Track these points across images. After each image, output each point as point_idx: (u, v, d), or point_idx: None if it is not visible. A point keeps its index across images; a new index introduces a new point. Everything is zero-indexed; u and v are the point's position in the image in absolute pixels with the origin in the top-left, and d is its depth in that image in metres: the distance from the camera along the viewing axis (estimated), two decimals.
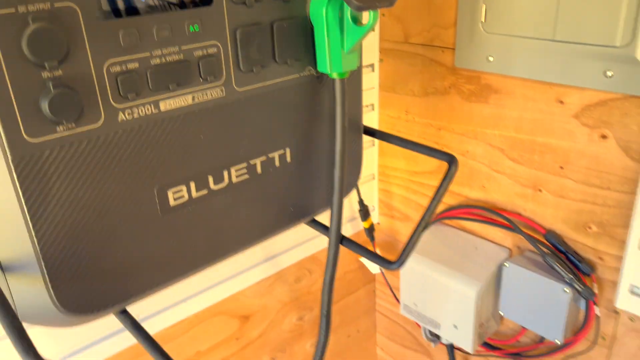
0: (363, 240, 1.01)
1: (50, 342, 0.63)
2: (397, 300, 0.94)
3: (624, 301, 0.70)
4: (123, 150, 0.40)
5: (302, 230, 0.89)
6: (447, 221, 0.89)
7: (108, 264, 0.41)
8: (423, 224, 0.57)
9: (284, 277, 0.91)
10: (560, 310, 0.72)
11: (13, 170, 0.35)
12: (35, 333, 0.60)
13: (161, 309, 0.76)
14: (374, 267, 0.98)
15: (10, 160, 0.35)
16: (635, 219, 0.65)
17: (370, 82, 0.90)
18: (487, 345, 0.89)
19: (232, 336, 0.87)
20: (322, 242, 0.94)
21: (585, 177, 0.70)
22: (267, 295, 0.90)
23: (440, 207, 0.89)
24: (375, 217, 1.02)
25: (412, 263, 0.85)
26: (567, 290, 0.70)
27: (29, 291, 0.40)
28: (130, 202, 0.42)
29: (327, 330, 0.59)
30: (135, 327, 0.45)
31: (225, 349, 0.87)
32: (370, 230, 0.92)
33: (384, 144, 0.95)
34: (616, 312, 0.72)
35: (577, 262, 0.72)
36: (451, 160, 0.57)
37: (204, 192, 0.47)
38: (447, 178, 0.55)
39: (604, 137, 0.66)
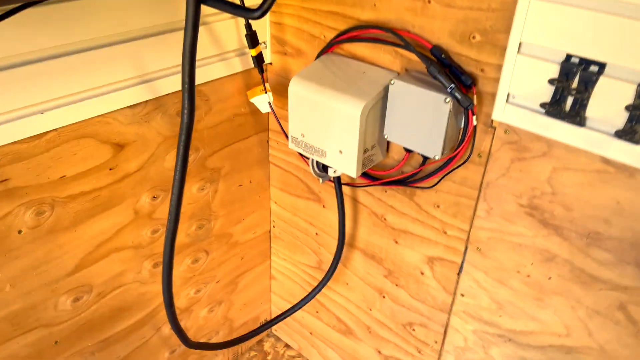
0: (256, 81, 0.96)
1: None
2: (287, 136, 0.90)
3: (500, 111, 0.70)
4: None
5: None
6: (337, 49, 0.85)
7: None
8: None
9: (164, 106, 0.84)
10: (440, 123, 0.72)
11: None
12: None
13: (13, 117, 0.68)
14: (264, 106, 0.93)
15: None
16: (517, 19, 0.64)
17: None
18: (370, 177, 0.89)
19: (104, 165, 0.80)
20: (206, 72, 0.88)
21: None
22: (144, 124, 0.83)
23: (331, 34, 0.84)
24: (267, 56, 0.96)
25: (299, 89, 0.81)
26: (448, 100, 0.70)
27: None
28: None
29: (190, 109, 0.54)
30: None
31: (97, 180, 0.80)
32: (258, 59, 0.86)
33: None
34: (492, 127, 0.73)
35: (459, 74, 0.71)
36: None
37: None
38: None
39: None
